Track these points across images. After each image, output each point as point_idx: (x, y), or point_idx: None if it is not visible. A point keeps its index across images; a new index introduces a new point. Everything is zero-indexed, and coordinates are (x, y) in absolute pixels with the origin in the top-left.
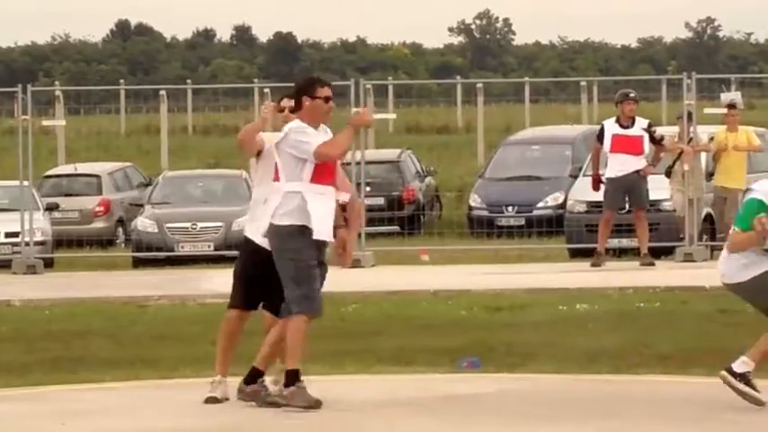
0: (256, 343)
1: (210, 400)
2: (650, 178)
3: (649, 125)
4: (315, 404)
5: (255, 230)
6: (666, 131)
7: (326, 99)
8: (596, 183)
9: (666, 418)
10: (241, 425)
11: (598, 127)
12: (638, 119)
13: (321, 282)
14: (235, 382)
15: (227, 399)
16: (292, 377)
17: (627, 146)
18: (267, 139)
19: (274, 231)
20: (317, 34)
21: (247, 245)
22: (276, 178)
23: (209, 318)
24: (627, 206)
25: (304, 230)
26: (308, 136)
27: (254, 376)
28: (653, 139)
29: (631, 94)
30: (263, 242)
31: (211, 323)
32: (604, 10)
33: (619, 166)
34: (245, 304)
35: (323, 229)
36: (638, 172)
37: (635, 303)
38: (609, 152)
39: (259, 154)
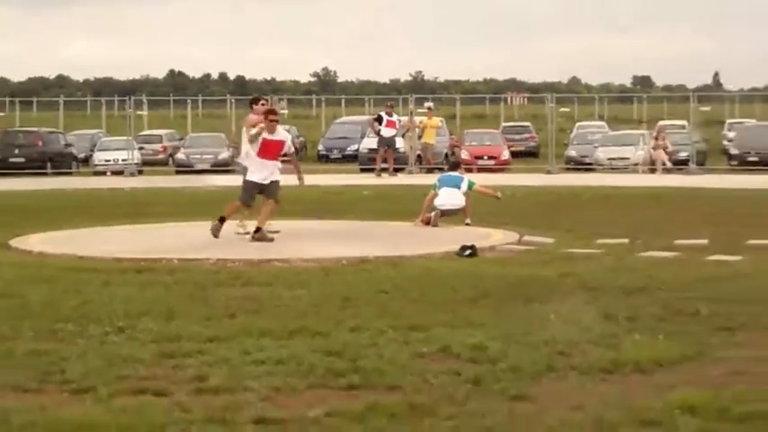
0: None
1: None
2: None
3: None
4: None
5: (259, 177)
6: (404, 119)
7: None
8: None
9: None
10: None
11: None
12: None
13: (269, 191)
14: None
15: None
16: (256, 230)
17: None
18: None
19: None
20: None
21: (254, 182)
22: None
23: None
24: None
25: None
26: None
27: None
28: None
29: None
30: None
31: None
32: None
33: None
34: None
35: (258, 177)
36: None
37: None
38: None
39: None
